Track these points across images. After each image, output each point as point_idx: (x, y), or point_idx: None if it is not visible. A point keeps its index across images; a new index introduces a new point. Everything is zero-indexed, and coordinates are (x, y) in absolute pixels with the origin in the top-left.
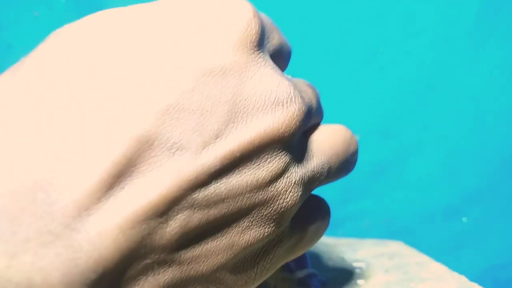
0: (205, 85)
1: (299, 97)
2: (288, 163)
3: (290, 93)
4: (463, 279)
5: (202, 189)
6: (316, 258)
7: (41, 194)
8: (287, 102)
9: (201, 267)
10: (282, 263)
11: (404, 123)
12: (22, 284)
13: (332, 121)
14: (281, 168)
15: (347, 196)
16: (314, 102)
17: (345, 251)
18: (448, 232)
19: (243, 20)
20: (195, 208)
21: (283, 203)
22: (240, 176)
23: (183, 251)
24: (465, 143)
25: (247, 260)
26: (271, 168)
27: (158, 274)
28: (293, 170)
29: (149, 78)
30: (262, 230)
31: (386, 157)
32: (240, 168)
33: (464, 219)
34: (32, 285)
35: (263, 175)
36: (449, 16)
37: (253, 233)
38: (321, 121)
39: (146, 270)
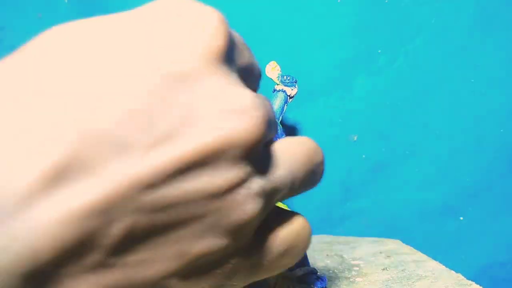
0: (161, 88)
1: (263, 106)
2: (249, 172)
3: (255, 102)
4: (460, 277)
5: (150, 191)
6: (315, 256)
7: None
8: (250, 110)
9: (147, 272)
10: (242, 282)
11: (402, 123)
12: None
13: (331, 120)
14: (241, 177)
15: (346, 195)
16: (272, 115)
17: (344, 249)
18: (445, 230)
19: (211, 32)
20: (142, 211)
21: (240, 214)
22: (193, 182)
23: (128, 254)
24: (462, 142)
25: (200, 271)
26: (229, 176)
27: (99, 275)
28: (254, 180)
29: (104, 77)
30: (216, 241)
31: (383, 157)
32: (194, 173)
33: (461, 218)
34: None
35: (220, 183)
36: (446, 17)
37: (206, 243)
38: (274, 136)
39: (86, 269)
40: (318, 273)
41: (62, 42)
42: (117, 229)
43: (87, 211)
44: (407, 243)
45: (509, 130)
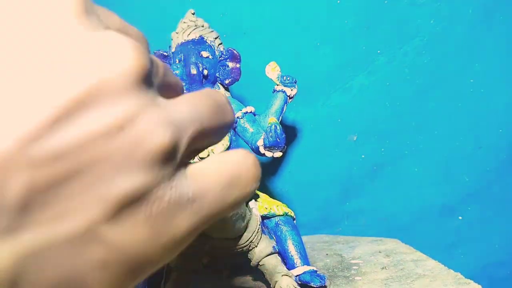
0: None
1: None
2: (142, 103)
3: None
4: (459, 276)
5: (37, 144)
6: (315, 255)
7: None
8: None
9: (69, 226)
10: (188, 222)
11: (401, 123)
12: None
13: (331, 120)
14: (132, 109)
15: (345, 195)
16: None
17: (343, 249)
18: (444, 230)
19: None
20: (35, 165)
21: (150, 144)
22: (81, 124)
23: (37, 212)
24: (461, 142)
25: (129, 211)
26: (119, 110)
27: (11, 241)
28: (153, 111)
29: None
30: (134, 177)
31: (383, 157)
32: (78, 115)
33: (459, 218)
34: None
35: (110, 120)
36: (445, 18)
37: (124, 181)
38: (162, 77)
39: None
40: (318, 272)
41: None
42: (14, 188)
43: None
44: (406, 243)
45: (509, 130)
